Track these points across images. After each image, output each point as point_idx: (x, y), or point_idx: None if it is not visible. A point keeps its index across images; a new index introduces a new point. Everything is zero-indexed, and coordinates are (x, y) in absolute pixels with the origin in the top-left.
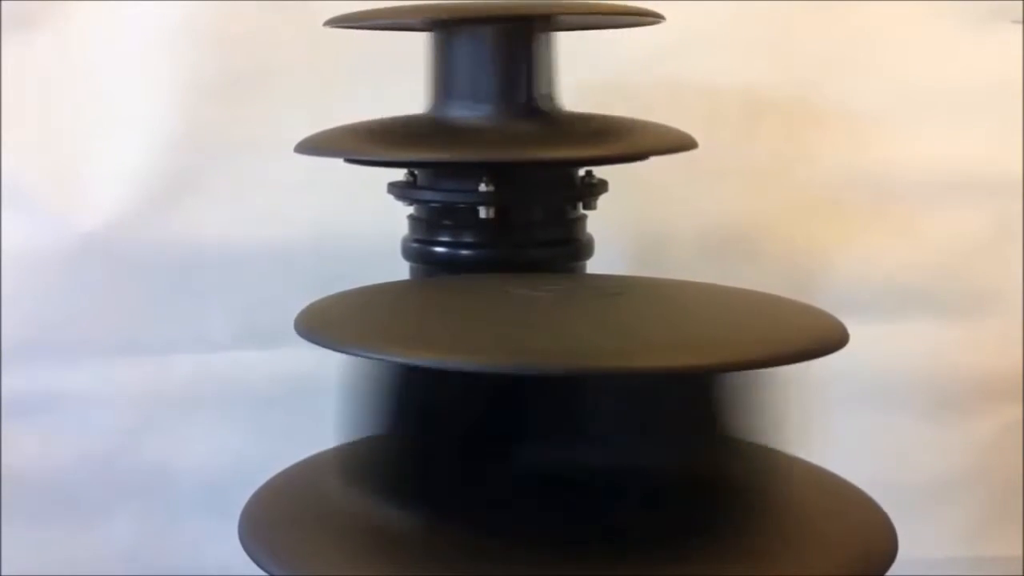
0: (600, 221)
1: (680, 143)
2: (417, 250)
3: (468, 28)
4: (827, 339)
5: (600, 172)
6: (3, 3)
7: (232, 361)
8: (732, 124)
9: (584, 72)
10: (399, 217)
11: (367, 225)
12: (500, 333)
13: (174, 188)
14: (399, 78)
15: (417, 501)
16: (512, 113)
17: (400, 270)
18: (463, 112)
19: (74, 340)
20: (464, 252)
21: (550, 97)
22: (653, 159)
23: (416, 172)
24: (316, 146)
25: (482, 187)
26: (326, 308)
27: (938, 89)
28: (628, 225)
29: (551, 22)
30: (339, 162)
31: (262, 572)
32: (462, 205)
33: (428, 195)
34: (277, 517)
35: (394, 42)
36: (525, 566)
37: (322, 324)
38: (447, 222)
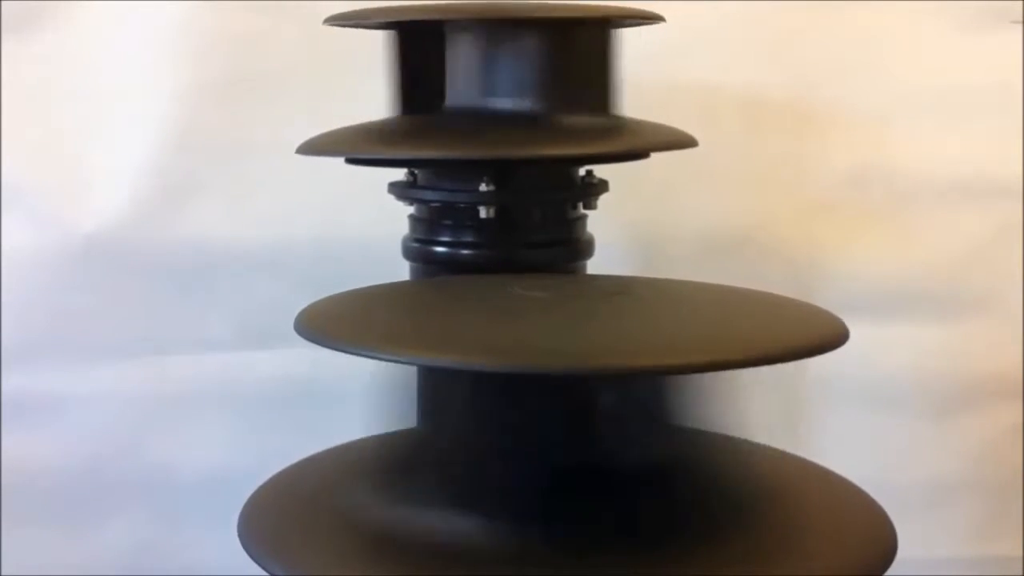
0: (600, 221)
1: (681, 141)
2: (417, 250)
3: (468, 28)
4: (827, 337)
5: (600, 172)
6: (3, 3)
7: (232, 361)
8: (732, 125)
9: None
10: (399, 217)
11: (367, 225)
12: (500, 333)
13: (175, 189)
14: None
15: (418, 500)
16: (512, 112)
17: (400, 270)
18: (463, 111)
19: (74, 341)
20: (464, 252)
21: (550, 96)
22: (653, 159)
23: (416, 172)
24: (317, 147)
25: (482, 187)
26: (326, 308)
27: (938, 89)
28: (628, 225)
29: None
30: (339, 162)
31: (262, 572)
32: (463, 205)
33: (428, 195)
34: (277, 517)
35: None
36: (526, 566)
37: (322, 324)
38: (447, 222)
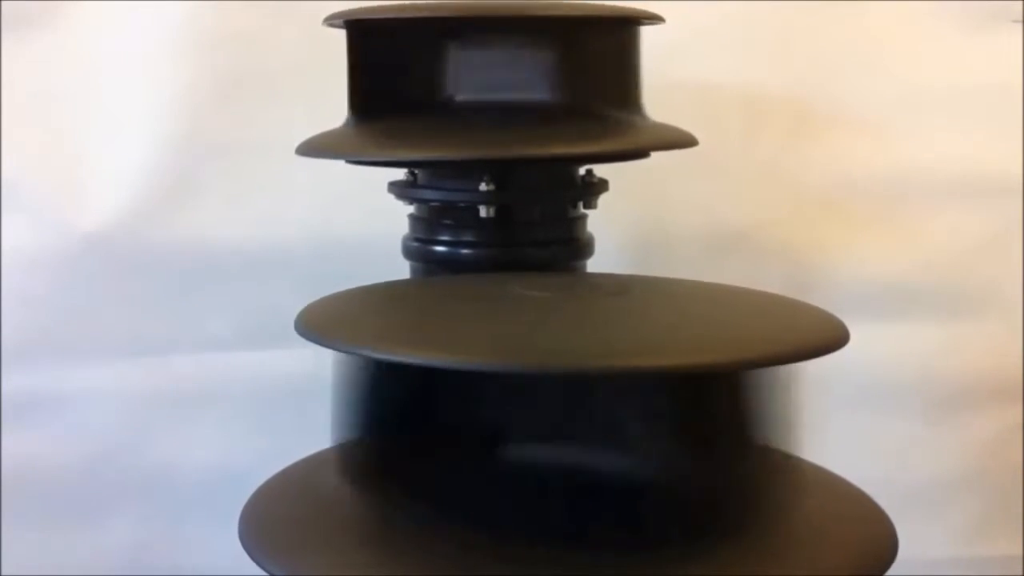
0: (601, 220)
1: (681, 140)
2: (417, 249)
3: (467, 29)
4: (828, 339)
5: (601, 171)
6: (3, 3)
7: (232, 361)
8: (732, 124)
9: None
10: (399, 217)
11: (367, 225)
12: (501, 333)
13: (175, 188)
14: None
15: (417, 500)
16: (512, 112)
17: (400, 270)
18: (462, 111)
19: (75, 340)
20: (464, 251)
21: (550, 96)
22: (654, 159)
23: (416, 171)
24: (316, 148)
25: (482, 186)
26: (326, 308)
27: (938, 89)
28: (629, 224)
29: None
30: (339, 161)
31: (262, 572)
32: (462, 204)
33: (428, 194)
34: (277, 517)
35: None
36: (526, 566)
37: (322, 324)
38: (447, 221)
